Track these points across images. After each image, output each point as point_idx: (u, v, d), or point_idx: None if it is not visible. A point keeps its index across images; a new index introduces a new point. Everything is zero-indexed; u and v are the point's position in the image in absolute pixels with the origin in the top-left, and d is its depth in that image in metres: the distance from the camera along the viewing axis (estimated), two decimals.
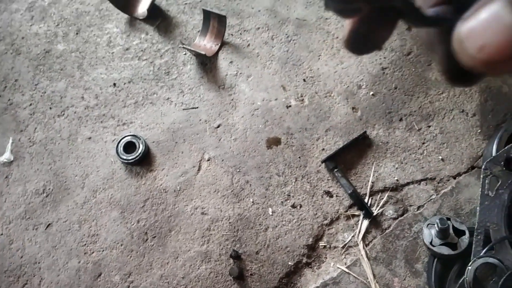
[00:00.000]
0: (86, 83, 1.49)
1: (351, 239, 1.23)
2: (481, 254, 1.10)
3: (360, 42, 0.27)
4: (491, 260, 1.09)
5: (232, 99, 1.42)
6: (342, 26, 1.49)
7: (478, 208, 1.12)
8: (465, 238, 1.13)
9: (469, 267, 1.08)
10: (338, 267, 1.21)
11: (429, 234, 1.14)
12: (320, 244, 1.24)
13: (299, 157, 1.33)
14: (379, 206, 1.25)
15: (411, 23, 0.27)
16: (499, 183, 1.12)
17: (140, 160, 1.34)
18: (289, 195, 1.29)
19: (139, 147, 1.34)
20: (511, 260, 1.09)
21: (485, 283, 1.13)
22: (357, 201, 1.24)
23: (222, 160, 1.34)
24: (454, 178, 1.25)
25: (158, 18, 1.55)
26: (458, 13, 0.20)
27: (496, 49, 0.17)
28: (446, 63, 0.24)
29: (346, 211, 1.26)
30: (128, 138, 1.36)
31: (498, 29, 0.17)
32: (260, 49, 1.48)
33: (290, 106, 1.40)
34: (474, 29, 0.18)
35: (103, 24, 1.57)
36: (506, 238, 1.10)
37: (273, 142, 1.36)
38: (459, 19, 0.20)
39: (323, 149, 1.32)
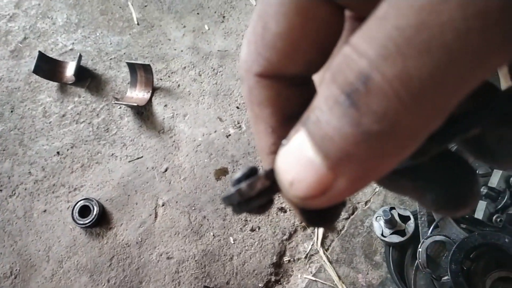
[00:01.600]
0: (30, 157, 1.51)
1: (311, 247, 1.29)
2: (428, 234, 1.18)
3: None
4: (438, 237, 1.17)
5: (174, 141, 1.47)
6: None
7: None
8: (411, 223, 1.21)
9: (420, 249, 1.16)
10: (305, 277, 1.26)
11: (379, 226, 1.22)
12: (285, 260, 1.30)
13: None
14: None
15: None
16: None
17: (98, 221, 1.37)
18: (247, 220, 1.34)
19: (93, 209, 1.37)
20: (457, 233, 1.17)
21: (438, 259, 1.21)
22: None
23: (176, 202, 1.38)
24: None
25: (87, 79, 1.59)
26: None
27: (305, 186, 0.16)
28: (297, 209, 0.22)
29: (301, 222, 1.32)
30: (82, 203, 1.39)
31: (304, 165, 0.16)
32: (191, 87, 1.54)
33: (229, 135, 1.46)
34: (284, 162, 0.17)
35: (35, 96, 1.60)
36: None
37: (221, 173, 1.41)
38: None
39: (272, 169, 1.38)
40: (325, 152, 0.15)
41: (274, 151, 0.21)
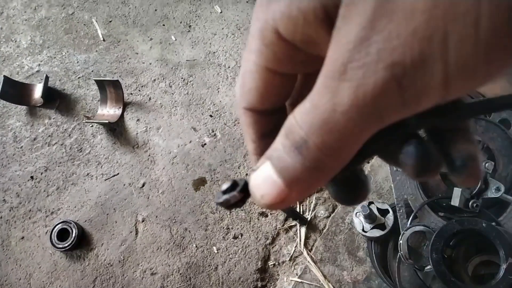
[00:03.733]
0: (4, 184, 1.48)
1: (295, 249, 1.29)
2: (408, 225, 1.19)
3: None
4: (417, 228, 1.18)
5: (149, 155, 1.45)
6: (230, 56, 1.56)
7: (392, 185, 1.22)
8: (390, 216, 1.22)
9: (400, 241, 1.17)
10: (291, 280, 1.26)
11: (359, 222, 1.22)
12: (270, 264, 1.29)
13: None
14: (311, 210, 1.32)
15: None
16: None
17: (77, 243, 1.35)
18: (228, 228, 1.34)
19: (72, 231, 1.34)
20: (435, 222, 1.18)
21: (420, 250, 1.22)
22: (290, 212, 1.31)
23: (156, 217, 1.37)
24: (368, 163, 1.35)
25: (56, 100, 1.57)
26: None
27: (271, 197, 0.26)
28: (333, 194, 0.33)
29: (283, 225, 1.32)
30: (60, 226, 1.36)
31: (270, 184, 0.26)
32: (162, 99, 1.53)
33: (205, 144, 1.45)
34: (256, 183, 0.27)
35: (4, 121, 1.57)
36: (425, 203, 1.20)
37: (199, 183, 1.40)
38: None
39: (246, 174, 1.38)
40: (283, 176, 0.25)
41: (255, 153, 0.33)
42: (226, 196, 0.30)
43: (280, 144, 0.26)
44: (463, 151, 0.30)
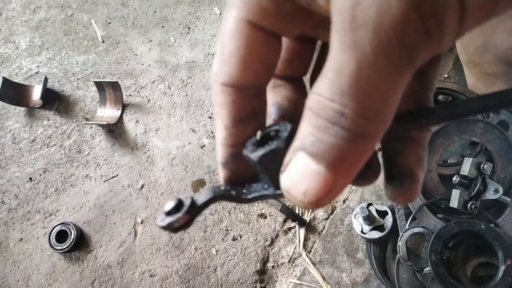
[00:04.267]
0: (2, 186, 1.48)
1: (294, 251, 1.29)
2: (407, 227, 1.19)
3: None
4: (416, 229, 1.18)
5: (148, 156, 1.45)
6: None
7: None
8: (389, 218, 1.22)
9: (399, 243, 1.17)
10: (291, 281, 1.26)
11: (358, 223, 1.22)
12: (268, 266, 1.29)
13: None
14: (310, 211, 1.32)
15: None
16: None
17: (76, 245, 1.34)
18: (227, 230, 1.34)
19: (71, 233, 1.34)
20: (434, 224, 1.19)
21: (418, 251, 1.22)
22: (289, 214, 1.31)
23: (155, 218, 1.37)
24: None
25: (55, 101, 1.57)
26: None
27: (315, 192, 0.22)
28: None
29: (282, 226, 1.32)
30: (58, 228, 1.36)
31: (311, 177, 0.22)
32: (161, 101, 1.53)
33: (204, 145, 1.45)
34: (293, 180, 0.23)
35: (3, 123, 1.57)
36: (424, 205, 1.20)
37: (198, 184, 1.40)
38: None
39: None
40: (325, 160, 0.22)
41: (224, 143, 0.29)
42: (170, 219, 0.26)
43: (310, 129, 0.23)
44: (404, 166, 0.29)
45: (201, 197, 0.28)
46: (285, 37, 0.29)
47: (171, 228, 0.26)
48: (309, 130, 0.23)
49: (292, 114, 0.31)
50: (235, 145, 0.29)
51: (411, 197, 0.29)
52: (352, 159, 0.22)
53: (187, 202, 0.26)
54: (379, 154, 0.31)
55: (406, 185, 0.28)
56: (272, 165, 0.26)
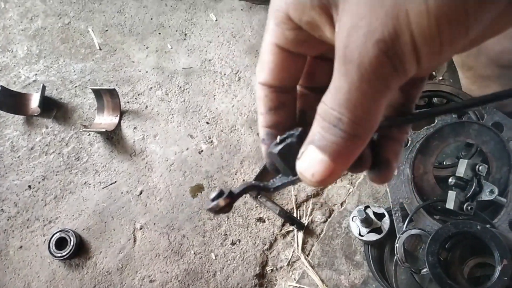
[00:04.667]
0: (1, 194, 1.48)
1: (292, 254, 1.30)
2: (404, 229, 1.20)
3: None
4: (413, 231, 1.19)
5: (146, 162, 1.46)
6: (226, 63, 1.58)
7: (387, 189, 1.23)
8: (386, 220, 1.23)
9: (397, 245, 1.18)
10: (290, 285, 1.27)
11: (356, 226, 1.23)
12: (268, 269, 1.30)
13: None
14: (308, 215, 1.33)
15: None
16: None
17: (76, 252, 1.35)
18: (226, 234, 1.34)
19: (70, 240, 1.35)
20: (431, 225, 1.20)
21: (416, 253, 1.23)
22: (287, 217, 1.32)
23: (154, 224, 1.37)
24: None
25: (53, 109, 1.58)
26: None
27: (320, 174, 0.31)
28: None
29: (281, 230, 1.33)
30: (58, 235, 1.36)
31: (318, 163, 0.31)
32: (159, 107, 1.54)
33: (202, 151, 1.46)
34: (305, 165, 0.32)
35: (1, 131, 1.57)
36: (420, 206, 1.21)
37: (197, 189, 1.41)
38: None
39: (243, 180, 1.39)
40: (329, 152, 0.30)
41: (262, 126, 0.39)
42: (214, 203, 0.35)
43: (318, 128, 0.31)
44: (384, 156, 0.38)
45: (238, 188, 0.37)
46: (308, 56, 0.39)
47: (215, 209, 0.35)
48: (317, 129, 0.31)
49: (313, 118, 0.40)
50: (269, 126, 0.39)
51: (386, 180, 0.38)
52: (347, 152, 0.30)
53: (226, 191, 0.35)
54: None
55: (383, 172, 0.38)
56: (289, 157, 0.35)
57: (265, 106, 0.39)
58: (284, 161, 0.36)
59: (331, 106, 0.30)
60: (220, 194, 0.36)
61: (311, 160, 0.31)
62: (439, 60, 0.29)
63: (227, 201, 0.35)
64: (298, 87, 0.41)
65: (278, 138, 0.36)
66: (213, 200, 0.36)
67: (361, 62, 0.27)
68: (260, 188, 0.38)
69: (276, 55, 0.36)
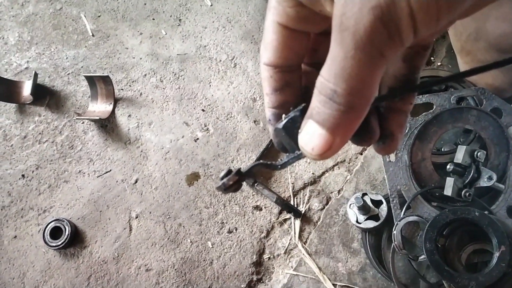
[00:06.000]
0: None
1: (289, 242, 1.29)
2: (401, 216, 1.19)
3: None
4: (411, 218, 1.18)
5: (142, 151, 1.44)
6: (221, 49, 1.55)
7: (385, 176, 1.22)
8: (384, 207, 1.22)
9: (394, 232, 1.17)
10: (287, 273, 1.26)
11: (353, 213, 1.22)
12: (265, 257, 1.29)
13: None
14: (305, 202, 1.32)
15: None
16: None
17: (71, 241, 1.34)
18: (223, 223, 1.33)
19: (65, 229, 1.33)
20: (429, 212, 1.19)
21: (413, 240, 1.23)
22: (284, 205, 1.31)
23: (150, 213, 1.36)
24: (361, 154, 1.35)
25: (46, 97, 1.55)
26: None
27: (320, 147, 0.31)
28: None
29: (278, 218, 1.32)
30: (52, 224, 1.35)
31: (317, 137, 0.31)
32: (153, 94, 1.51)
33: (198, 139, 1.44)
34: (305, 139, 0.32)
35: None
36: (418, 193, 1.20)
37: (193, 178, 1.39)
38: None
39: (240, 168, 1.38)
40: (327, 126, 0.30)
41: (268, 106, 0.39)
42: (223, 181, 0.36)
43: (316, 102, 0.31)
44: (388, 129, 0.38)
45: (246, 167, 0.38)
46: (311, 32, 0.39)
47: (225, 187, 0.36)
48: (315, 103, 0.31)
49: None
50: (275, 107, 0.39)
51: (390, 151, 0.39)
52: (345, 125, 0.30)
53: (235, 170, 0.37)
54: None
55: (387, 143, 0.38)
56: (293, 131, 0.35)
57: (271, 86, 0.39)
58: (289, 136, 0.36)
59: (327, 78, 0.30)
60: (229, 172, 0.36)
61: (310, 134, 0.31)
62: (436, 28, 0.28)
63: (236, 178, 0.36)
64: (302, 65, 0.40)
65: (283, 116, 0.37)
66: (222, 178, 0.36)
67: (356, 29, 0.27)
68: (268, 166, 0.39)
69: (279, 33, 0.36)
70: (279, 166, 0.38)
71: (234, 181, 0.36)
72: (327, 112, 0.30)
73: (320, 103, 0.30)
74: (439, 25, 0.28)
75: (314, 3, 0.32)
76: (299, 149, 0.35)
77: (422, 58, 0.37)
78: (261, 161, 0.39)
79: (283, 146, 0.38)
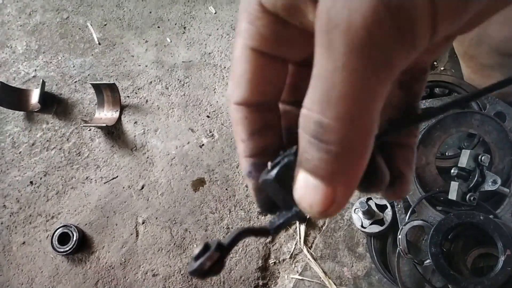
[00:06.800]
0: (3, 190, 1.48)
1: (295, 247, 1.30)
2: (406, 220, 1.19)
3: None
4: (416, 222, 1.18)
5: (148, 157, 1.46)
6: (225, 56, 1.57)
7: None
8: (388, 211, 1.22)
9: (399, 236, 1.17)
10: (292, 277, 1.27)
11: (358, 218, 1.23)
12: (270, 262, 1.30)
13: (226, 189, 1.38)
14: None
15: None
16: None
17: (79, 247, 1.35)
18: (228, 228, 1.34)
19: (73, 235, 1.35)
20: (433, 216, 1.19)
21: (418, 244, 1.23)
22: None
23: (156, 218, 1.37)
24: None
25: (53, 105, 1.57)
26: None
27: (318, 205, 0.23)
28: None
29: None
30: (60, 230, 1.36)
31: (312, 191, 0.23)
32: (159, 101, 1.53)
33: (203, 145, 1.45)
34: (299, 196, 0.24)
35: (2, 127, 1.57)
36: (423, 198, 1.20)
37: (198, 183, 1.41)
38: None
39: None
40: (320, 176, 0.22)
41: (245, 155, 0.31)
42: (199, 261, 0.25)
43: (302, 145, 0.23)
44: (396, 170, 0.31)
45: (228, 237, 0.28)
46: (291, 63, 0.31)
47: (201, 270, 0.25)
48: (302, 147, 0.23)
49: None
50: (253, 155, 0.31)
51: (402, 195, 0.31)
52: (345, 171, 0.22)
53: (213, 244, 0.26)
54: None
55: (398, 186, 0.31)
56: (289, 182, 0.26)
57: (247, 130, 0.30)
58: (284, 189, 0.27)
59: (309, 106, 0.21)
60: (206, 248, 0.26)
61: (304, 187, 0.24)
62: (459, 24, 0.20)
63: (216, 256, 0.26)
64: (280, 105, 0.33)
65: (269, 164, 0.28)
66: (197, 258, 0.26)
67: (350, 24, 0.18)
68: (257, 232, 0.30)
69: (253, 62, 0.28)
70: (272, 231, 0.29)
71: (213, 262, 0.26)
72: (316, 156, 0.22)
73: (306, 144, 0.22)
74: (462, 20, 0.20)
75: (294, 12, 0.25)
76: (296, 205, 0.26)
77: (422, 83, 0.31)
78: (247, 227, 0.30)
79: (271, 205, 0.30)
